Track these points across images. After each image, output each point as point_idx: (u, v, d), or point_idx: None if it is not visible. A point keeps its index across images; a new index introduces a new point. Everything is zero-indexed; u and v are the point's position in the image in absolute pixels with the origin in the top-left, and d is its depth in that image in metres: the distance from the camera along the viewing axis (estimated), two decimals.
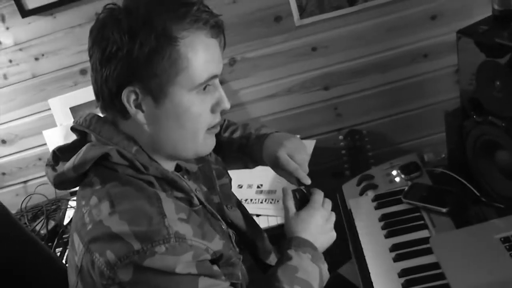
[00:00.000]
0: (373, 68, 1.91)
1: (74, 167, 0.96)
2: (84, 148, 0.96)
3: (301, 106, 2.03)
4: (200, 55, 0.94)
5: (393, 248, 1.34)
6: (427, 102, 1.97)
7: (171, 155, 1.03)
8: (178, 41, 0.91)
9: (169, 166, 1.05)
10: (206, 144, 1.04)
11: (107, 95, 0.94)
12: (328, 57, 1.92)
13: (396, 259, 1.31)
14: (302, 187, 1.19)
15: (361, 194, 1.58)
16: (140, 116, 0.95)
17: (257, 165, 1.33)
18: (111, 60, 0.91)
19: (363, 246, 1.40)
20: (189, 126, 0.99)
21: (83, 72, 1.97)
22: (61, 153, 1.03)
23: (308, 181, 1.19)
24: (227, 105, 1.01)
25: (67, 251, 1.74)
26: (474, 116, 1.35)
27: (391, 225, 1.41)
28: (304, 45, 1.90)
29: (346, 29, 1.85)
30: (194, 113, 0.97)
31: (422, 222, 1.40)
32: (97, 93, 0.97)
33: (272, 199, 1.78)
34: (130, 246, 0.86)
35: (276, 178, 1.83)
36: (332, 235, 1.17)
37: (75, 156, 0.97)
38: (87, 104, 1.96)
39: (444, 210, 1.38)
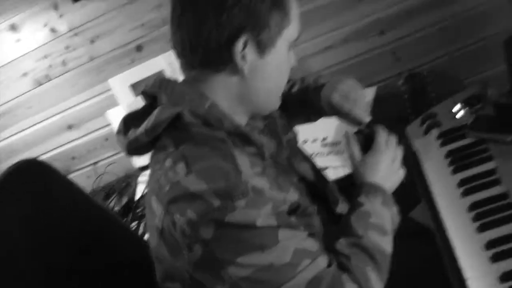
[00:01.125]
0: (427, 6, 1.89)
1: (146, 131, 1.00)
2: (156, 111, 1.00)
3: (359, 55, 2.03)
4: (296, 13, 1.02)
5: (461, 183, 1.34)
6: (484, 35, 1.93)
7: (253, 109, 1.08)
8: None
9: (242, 121, 1.09)
10: (280, 99, 1.11)
11: (215, 44, 0.96)
12: (379, 1, 1.91)
13: (465, 193, 1.31)
14: (363, 127, 1.21)
15: (425, 133, 1.58)
16: (245, 66, 0.99)
17: (320, 116, 1.38)
18: (231, 8, 0.94)
19: (431, 186, 1.40)
20: (280, 79, 1.07)
21: (139, 48, 2.05)
22: (131, 119, 1.07)
23: (366, 119, 1.22)
24: (296, 62, 1.09)
25: (142, 223, 1.84)
26: None
27: (458, 161, 1.41)
28: None
29: None
30: (286, 67, 1.06)
31: (487, 153, 1.39)
32: (194, 45, 0.98)
33: (338, 151, 1.81)
34: (210, 204, 0.90)
35: (339, 128, 1.85)
36: (401, 173, 1.21)
37: (147, 120, 1.00)
38: (147, 80, 2.04)
39: (510, 138, 1.37)
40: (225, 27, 0.94)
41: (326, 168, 1.77)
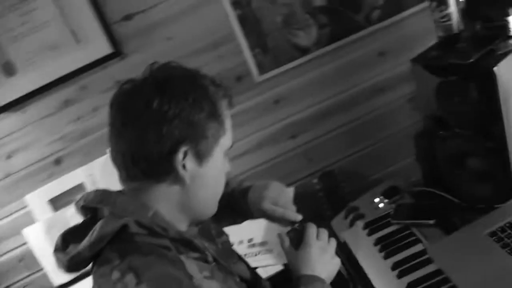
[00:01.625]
0: (335, 109, 2.10)
1: (90, 245, 0.98)
2: (99, 224, 0.99)
3: (273, 158, 2.17)
4: (230, 122, 1.09)
5: (394, 266, 1.47)
6: (388, 132, 2.16)
7: (193, 215, 1.11)
8: (223, 106, 1.05)
9: (182, 228, 1.11)
10: (217, 204, 1.16)
11: (157, 156, 0.99)
12: (290, 107, 2.08)
13: (400, 275, 1.44)
14: (296, 226, 1.28)
15: (351, 225, 1.72)
16: (186, 176, 1.02)
17: (246, 219, 1.43)
18: (171, 120, 0.98)
19: (366, 271, 1.52)
20: (219, 185, 1.12)
21: (57, 162, 2.05)
22: (71, 235, 1.06)
23: (298, 218, 1.29)
24: (230, 169, 1.15)
25: None
26: (441, 132, 1.54)
27: (387, 247, 1.55)
28: (267, 100, 2.06)
29: (303, 78, 2.03)
30: (223, 174, 1.11)
31: (414, 237, 1.54)
32: (136, 158, 1.00)
33: (267, 249, 1.89)
34: None
35: (265, 229, 1.94)
36: (336, 262, 1.25)
37: (90, 234, 1.00)
38: (67, 193, 2.03)
39: (431, 222, 1.54)
40: (166, 139, 0.98)
41: (257, 267, 1.82)
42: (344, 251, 1.62)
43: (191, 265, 1.01)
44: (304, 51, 2.00)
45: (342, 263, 1.53)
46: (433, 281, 1.38)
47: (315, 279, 1.18)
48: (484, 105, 1.37)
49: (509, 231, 1.36)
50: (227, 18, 1.93)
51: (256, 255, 1.90)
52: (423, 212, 1.58)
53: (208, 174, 1.06)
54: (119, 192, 1.08)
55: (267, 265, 1.83)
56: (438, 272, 1.39)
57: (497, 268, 1.30)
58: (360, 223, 1.68)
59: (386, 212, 1.67)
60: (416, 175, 1.77)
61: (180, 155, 1.00)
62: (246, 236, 1.98)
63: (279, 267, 1.78)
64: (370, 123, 2.13)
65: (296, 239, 1.26)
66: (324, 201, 2.14)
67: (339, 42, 2.00)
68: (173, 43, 1.93)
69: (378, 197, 1.74)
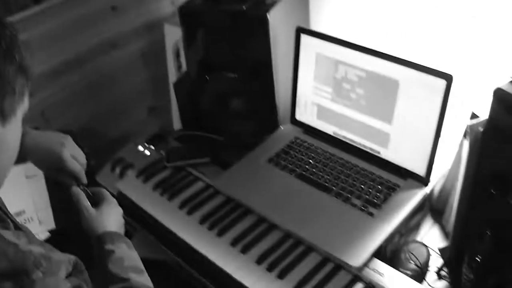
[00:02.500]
0: (69, 65, 2.02)
1: None
2: None
3: None
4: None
5: (182, 205, 1.58)
6: (124, 88, 2.20)
7: None
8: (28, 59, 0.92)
9: None
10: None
11: None
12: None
13: (190, 211, 1.55)
14: (81, 186, 1.27)
15: (121, 177, 1.74)
16: None
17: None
18: None
19: (154, 215, 1.57)
20: (16, 152, 0.98)
21: None
22: None
23: (86, 180, 1.29)
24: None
25: None
26: (207, 76, 1.68)
27: (168, 190, 1.62)
28: None
29: (33, 31, 1.91)
30: (20, 139, 0.99)
31: (193, 177, 1.66)
32: None
33: (25, 218, 1.77)
34: None
35: (18, 197, 1.81)
36: (120, 212, 1.30)
37: None
38: None
39: (207, 159, 1.68)
40: None
41: None
42: (123, 202, 1.64)
43: (6, 234, 0.89)
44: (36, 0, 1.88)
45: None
46: (225, 209, 1.53)
47: (120, 235, 1.22)
48: (255, 50, 1.55)
49: (283, 155, 1.60)
50: None
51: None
52: (196, 152, 1.70)
53: (8, 136, 0.92)
54: None
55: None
56: (228, 200, 1.54)
57: (282, 186, 1.53)
58: (131, 173, 1.71)
59: (157, 158, 1.73)
60: (152, 129, 1.87)
61: None
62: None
63: (46, 234, 1.71)
64: (105, 79, 2.13)
65: (89, 198, 1.26)
66: None
67: None
68: None
69: (142, 146, 1.80)
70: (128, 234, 1.54)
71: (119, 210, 1.29)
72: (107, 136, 2.18)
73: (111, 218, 1.24)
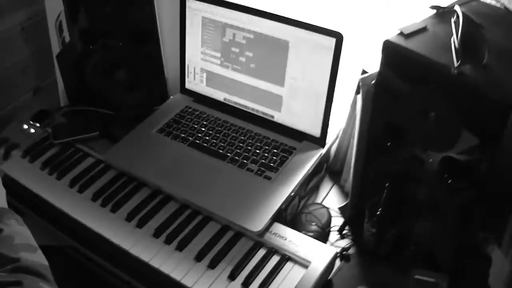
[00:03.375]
0: None
1: None
2: None
3: None
4: None
5: (72, 183, 1.50)
6: (3, 65, 2.05)
7: None
8: None
9: None
10: None
11: None
12: None
13: (81, 189, 1.48)
14: None
15: (6, 158, 1.63)
16: None
17: None
18: None
19: (44, 196, 1.47)
20: None
21: None
22: None
23: None
24: None
25: None
26: (91, 46, 1.60)
27: (56, 168, 1.54)
28: None
29: None
30: None
31: (81, 153, 1.59)
32: None
33: None
34: None
35: None
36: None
37: None
38: None
39: (96, 134, 1.61)
40: None
41: None
42: (10, 185, 1.54)
43: None
44: None
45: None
46: (118, 183, 1.47)
47: (6, 210, 1.14)
48: (139, 16, 1.49)
49: (174, 125, 1.56)
50: None
51: None
52: (84, 127, 1.63)
53: None
54: None
55: None
56: (120, 175, 1.49)
57: (175, 155, 1.51)
58: (17, 153, 1.61)
59: (43, 136, 1.64)
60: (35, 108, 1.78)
61: None
62: None
63: None
64: None
65: None
66: None
67: None
68: None
69: (27, 124, 1.70)
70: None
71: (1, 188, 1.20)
72: None
73: None
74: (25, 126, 1.69)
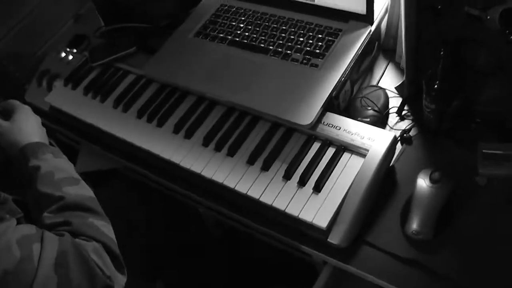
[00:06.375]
0: None
1: None
2: None
3: None
4: None
5: (116, 103, 1.47)
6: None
7: None
8: None
9: None
10: None
11: None
12: None
13: (125, 109, 1.45)
14: None
15: (49, 89, 1.62)
16: None
17: None
18: None
19: (93, 123, 1.45)
20: None
21: None
22: None
23: None
24: None
25: None
26: None
27: (99, 90, 1.51)
28: None
29: None
30: None
31: (122, 71, 1.55)
32: None
33: None
34: None
35: None
36: (38, 120, 1.20)
37: None
38: None
39: (133, 50, 1.55)
40: None
41: None
42: (58, 116, 1.54)
43: None
44: None
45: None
46: (161, 97, 1.43)
47: (41, 145, 1.11)
48: None
49: (211, 26, 1.49)
50: None
51: None
52: (120, 45, 1.58)
53: None
54: None
55: None
56: (162, 88, 1.44)
57: (216, 57, 1.43)
58: (59, 83, 1.60)
59: (81, 62, 1.61)
60: None
61: None
62: None
63: None
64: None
65: None
66: None
67: None
68: None
69: (64, 51, 1.67)
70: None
71: (36, 118, 1.19)
72: (33, 54, 2.03)
73: (28, 125, 1.14)
74: (63, 54, 1.67)
